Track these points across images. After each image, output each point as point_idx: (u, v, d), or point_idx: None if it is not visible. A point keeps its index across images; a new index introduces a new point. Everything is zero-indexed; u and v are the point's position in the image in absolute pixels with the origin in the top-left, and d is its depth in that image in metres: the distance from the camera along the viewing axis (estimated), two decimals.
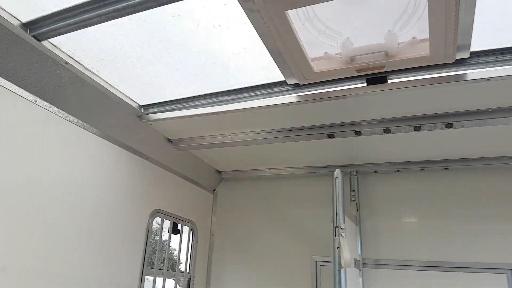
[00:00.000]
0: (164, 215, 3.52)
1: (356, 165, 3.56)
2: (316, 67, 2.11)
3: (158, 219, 3.44)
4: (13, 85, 2.18)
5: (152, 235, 3.45)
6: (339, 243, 2.48)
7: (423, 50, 1.96)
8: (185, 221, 3.82)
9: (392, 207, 3.47)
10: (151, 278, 3.32)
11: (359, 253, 3.34)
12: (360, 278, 3.24)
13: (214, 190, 4.40)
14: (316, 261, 3.57)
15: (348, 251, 2.43)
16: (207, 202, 4.29)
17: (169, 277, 3.57)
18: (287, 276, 3.65)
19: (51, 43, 2.22)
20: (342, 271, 2.48)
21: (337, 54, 2.02)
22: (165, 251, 3.52)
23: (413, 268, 3.21)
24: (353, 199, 3.52)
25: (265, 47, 2.01)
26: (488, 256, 3.02)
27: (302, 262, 3.63)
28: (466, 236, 3.13)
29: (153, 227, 3.51)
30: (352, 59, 2.02)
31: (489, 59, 2.04)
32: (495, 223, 3.07)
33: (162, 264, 3.51)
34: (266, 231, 3.93)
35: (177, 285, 3.64)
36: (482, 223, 3.12)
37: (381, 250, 3.37)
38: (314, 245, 3.63)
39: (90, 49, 2.27)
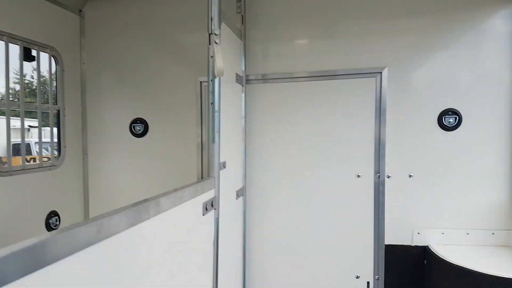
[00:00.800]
0: (8, 37, 2.81)
1: None
2: None
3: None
4: None
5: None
6: (213, 51, 2.20)
7: None
8: (42, 47, 3.15)
9: (283, 23, 3.20)
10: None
11: (243, 69, 3.17)
12: (243, 94, 3.16)
13: (81, 10, 3.62)
14: (200, 81, 3.36)
15: (222, 60, 2.18)
16: (72, 25, 3.55)
17: (30, 110, 3.12)
18: (173, 98, 3.44)
19: None
20: (216, 80, 2.28)
21: None
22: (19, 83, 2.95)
23: (298, 80, 3.19)
24: (238, 10, 3.13)
25: None
26: (362, 63, 3.08)
27: (187, 84, 3.40)
28: (347, 48, 3.10)
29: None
30: None
31: None
32: (376, 35, 3.05)
33: (17, 99, 2.98)
34: (148, 56, 3.49)
35: (41, 119, 3.23)
36: (364, 35, 3.07)
37: (269, 65, 3.24)
38: (200, 68, 3.36)
39: None
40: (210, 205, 2.21)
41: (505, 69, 2.90)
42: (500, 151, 2.92)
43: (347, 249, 3.15)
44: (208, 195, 2.18)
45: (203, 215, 2.09)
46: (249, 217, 3.33)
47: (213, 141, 2.30)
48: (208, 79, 2.28)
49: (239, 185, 3.07)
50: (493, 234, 2.92)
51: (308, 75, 3.18)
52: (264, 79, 3.26)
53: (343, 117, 3.13)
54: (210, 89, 2.28)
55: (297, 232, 3.25)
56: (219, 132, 2.33)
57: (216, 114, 2.30)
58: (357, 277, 3.14)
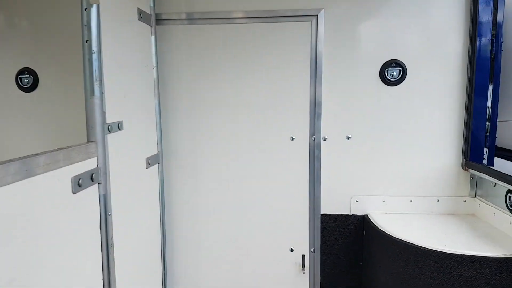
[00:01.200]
0: None
1: None
2: None
3: None
4: None
5: None
6: None
7: None
8: None
9: None
10: None
11: (151, 5, 2.51)
12: (152, 36, 2.53)
13: None
14: None
15: None
16: None
17: None
18: (70, 43, 2.74)
19: None
20: (93, 10, 1.66)
21: None
22: None
23: (231, 22, 2.62)
24: None
25: None
26: (298, 3, 2.57)
27: None
28: None
29: None
30: None
31: None
32: None
33: None
34: None
35: None
36: None
37: (195, 2, 2.63)
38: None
39: None
40: (89, 179, 1.67)
41: (458, 20, 2.51)
42: (447, 110, 2.59)
43: (280, 220, 2.77)
44: (84, 166, 1.63)
45: (74, 193, 1.55)
46: (169, 189, 2.82)
47: (92, 94, 1.71)
48: (82, 8, 1.65)
49: (151, 151, 2.53)
50: (438, 201, 2.64)
51: (243, 16, 2.60)
52: (190, 19, 2.64)
53: (278, 70, 2.63)
54: (84, 22, 1.66)
55: (227, 204, 2.81)
56: (102, 81, 1.74)
57: (95, 56, 1.69)
58: (292, 250, 2.79)
